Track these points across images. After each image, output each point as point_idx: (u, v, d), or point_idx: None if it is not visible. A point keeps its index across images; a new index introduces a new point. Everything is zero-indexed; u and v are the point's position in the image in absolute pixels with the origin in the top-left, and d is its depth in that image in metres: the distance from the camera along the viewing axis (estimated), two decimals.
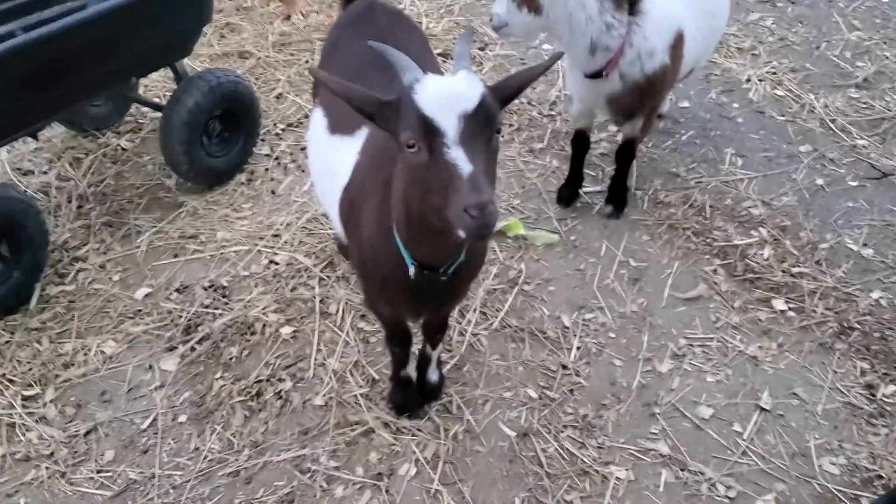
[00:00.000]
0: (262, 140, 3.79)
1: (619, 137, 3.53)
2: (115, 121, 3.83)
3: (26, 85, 2.72)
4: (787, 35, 4.74)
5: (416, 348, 2.58)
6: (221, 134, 3.47)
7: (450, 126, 1.54)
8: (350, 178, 2.18)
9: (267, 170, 3.63)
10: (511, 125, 3.98)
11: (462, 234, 1.55)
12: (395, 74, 1.71)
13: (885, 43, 4.65)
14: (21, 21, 3.20)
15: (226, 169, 3.51)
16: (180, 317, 2.90)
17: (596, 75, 2.88)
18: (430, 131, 1.55)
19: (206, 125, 3.35)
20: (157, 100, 3.92)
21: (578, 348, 2.82)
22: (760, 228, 3.34)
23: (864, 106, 4.13)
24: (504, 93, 1.71)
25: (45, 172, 3.57)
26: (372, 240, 2.07)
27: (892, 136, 3.89)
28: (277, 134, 3.88)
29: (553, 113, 4.05)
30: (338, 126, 2.33)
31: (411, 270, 1.95)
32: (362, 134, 2.22)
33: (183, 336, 2.83)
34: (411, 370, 2.59)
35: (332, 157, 2.31)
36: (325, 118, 2.39)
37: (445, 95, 1.56)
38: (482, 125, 1.57)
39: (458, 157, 1.53)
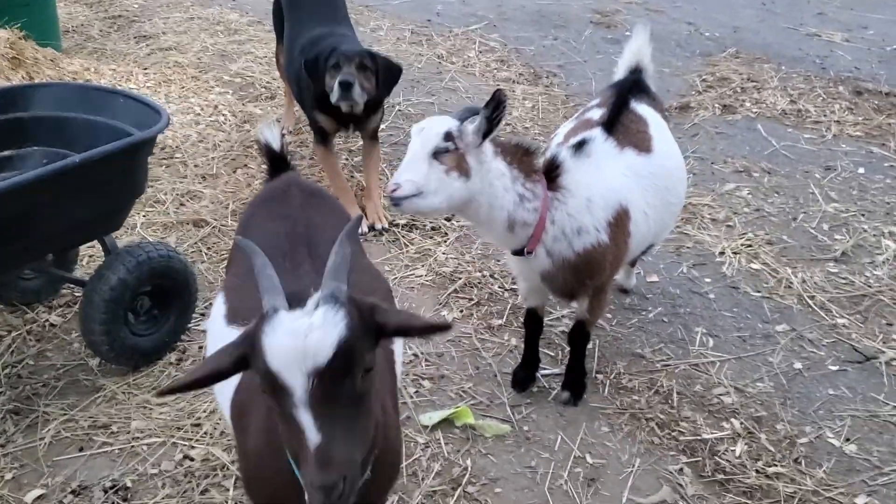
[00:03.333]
0: (202, 315, 3.57)
1: None
2: (48, 294, 3.61)
3: None
4: (764, 206, 4.61)
5: None
6: (150, 311, 3.25)
7: (297, 384, 1.33)
8: (241, 377, 1.93)
9: (201, 348, 3.38)
10: (471, 299, 3.76)
11: None
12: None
13: (862, 215, 4.50)
14: None
15: (154, 348, 3.25)
16: None
17: (519, 252, 2.71)
18: (275, 386, 1.34)
19: (133, 302, 3.13)
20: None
21: None
22: (733, 420, 3.03)
23: (844, 282, 3.91)
24: (377, 320, 1.48)
25: None
26: (259, 453, 1.79)
27: (874, 314, 3.65)
28: None
29: (515, 287, 3.83)
30: (236, 315, 2.09)
31: (307, 494, 1.66)
32: None
33: None
34: None
35: None
36: (224, 305, 2.17)
37: (291, 349, 1.34)
38: (341, 375, 1.35)
39: (306, 423, 1.32)
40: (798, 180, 4.93)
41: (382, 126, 5.47)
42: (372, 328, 1.47)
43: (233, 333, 2.04)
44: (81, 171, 2.75)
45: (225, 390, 1.99)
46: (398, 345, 2.23)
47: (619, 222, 2.74)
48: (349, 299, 1.44)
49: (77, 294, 3.70)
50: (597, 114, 3.04)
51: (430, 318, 1.56)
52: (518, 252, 2.72)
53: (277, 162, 2.58)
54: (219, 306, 2.18)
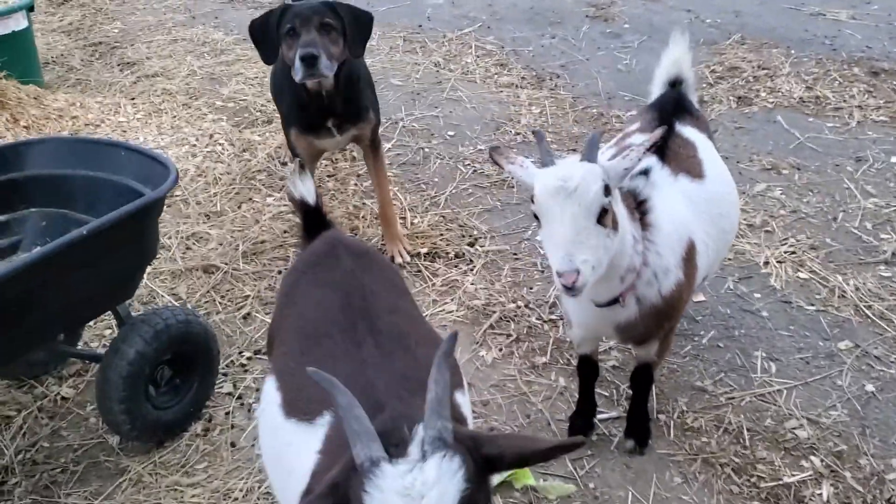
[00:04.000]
0: (224, 375, 3.31)
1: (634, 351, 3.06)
2: (56, 365, 3.35)
3: None
4: (800, 206, 4.38)
5: None
6: (172, 380, 2.99)
7: None
8: (310, 485, 1.69)
9: (227, 414, 3.13)
10: (509, 335, 3.52)
11: None
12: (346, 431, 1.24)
13: None
14: None
15: (177, 420, 2.99)
16: None
17: (611, 303, 2.43)
18: None
19: (153, 374, 2.88)
20: (102, 344, 3.46)
21: None
22: (812, 457, 2.81)
23: None
24: (486, 454, 1.25)
25: None
26: None
27: None
28: (242, 364, 3.40)
29: (555, 317, 3.60)
30: (294, 407, 1.85)
31: None
32: (325, 422, 1.75)
33: None
34: None
35: (288, 448, 1.83)
36: (278, 392, 1.92)
37: None
38: None
39: None
40: (830, 175, 4.70)
41: (387, 146, 5.23)
42: (482, 467, 1.23)
43: (291, 428, 1.82)
44: (89, 242, 2.49)
45: (290, 494, 1.75)
46: (466, 406, 2.00)
47: (690, 257, 2.49)
48: (457, 440, 1.20)
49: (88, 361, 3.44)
50: (638, 139, 2.79)
51: (552, 440, 1.34)
52: (609, 303, 2.40)
53: (314, 218, 2.34)
54: (271, 393, 1.93)
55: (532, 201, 2.13)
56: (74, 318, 2.76)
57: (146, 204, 2.66)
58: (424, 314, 3.64)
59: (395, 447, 1.23)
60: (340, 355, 1.84)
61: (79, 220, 2.94)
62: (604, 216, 2.07)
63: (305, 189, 2.31)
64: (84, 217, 2.93)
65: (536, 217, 2.14)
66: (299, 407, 1.83)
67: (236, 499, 2.73)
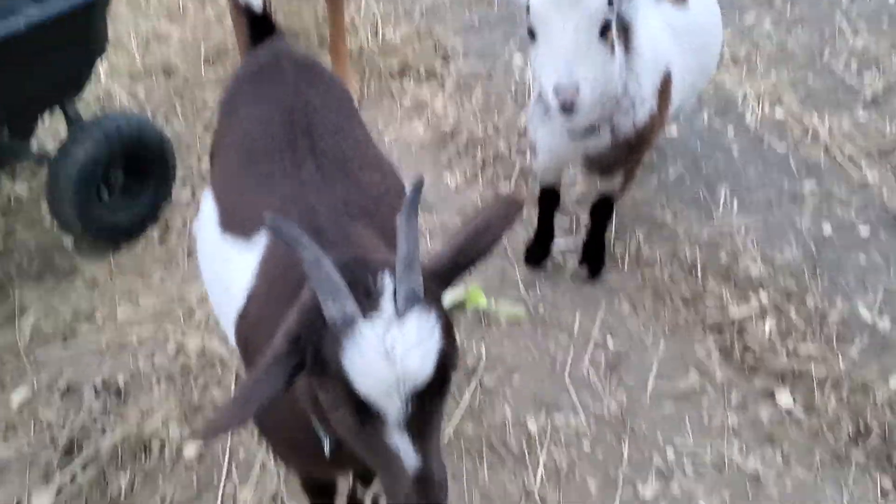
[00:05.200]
0: (183, 183, 3.25)
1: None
2: (10, 157, 3.24)
3: None
4: (787, 41, 4.22)
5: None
6: (126, 185, 2.93)
7: (391, 409, 1.10)
8: (245, 306, 1.67)
9: (185, 223, 3.10)
10: (475, 159, 3.46)
11: None
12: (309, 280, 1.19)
13: (894, 51, 4.13)
14: None
15: (132, 224, 2.97)
16: (62, 428, 2.38)
17: (585, 132, 2.32)
18: (363, 410, 1.11)
19: (106, 177, 2.81)
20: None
21: (546, 466, 2.34)
22: (761, 292, 2.85)
23: (875, 131, 3.63)
24: (444, 283, 1.25)
25: None
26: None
27: None
28: (201, 173, 3.34)
29: (523, 147, 3.52)
30: (231, 222, 1.79)
31: (326, 448, 1.46)
32: (261, 241, 1.70)
33: (63, 459, 2.31)
34: None
35: (224, 265, 1.78)
36: (216, 206, 1.87)
37: (387, 374, 1.09)
38: (440, 389, 1.14)
39: (404, 449, 1.12)
40: (823, 9, 4.50)
41: None
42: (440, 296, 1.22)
43: (227, 244, 1.78)
44: (30, 34, 2.34)
45: (227, 311, 1.74)
46: None
47: (665, 88, 2.38)
48: (427, 290, 1.17)
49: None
50: None
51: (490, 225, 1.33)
52: (584, 132, 2.29)
53: (260, 25, 2.19)
54: (209, 208, 1.87)
55: (527, 12, 1.97)
56: (17, 111, 2.63)
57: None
58: (391, 135, 3.57)
59: (365, 298, 1.15)
60: (279, 175, 1.76)
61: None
62: (606, 32, 1.95)
63: None
64: (33, 5, 2.74)
65: (531, 33, 1.99)
66: (236, 223, 1.78)
67: (191, 303, 2.76)
